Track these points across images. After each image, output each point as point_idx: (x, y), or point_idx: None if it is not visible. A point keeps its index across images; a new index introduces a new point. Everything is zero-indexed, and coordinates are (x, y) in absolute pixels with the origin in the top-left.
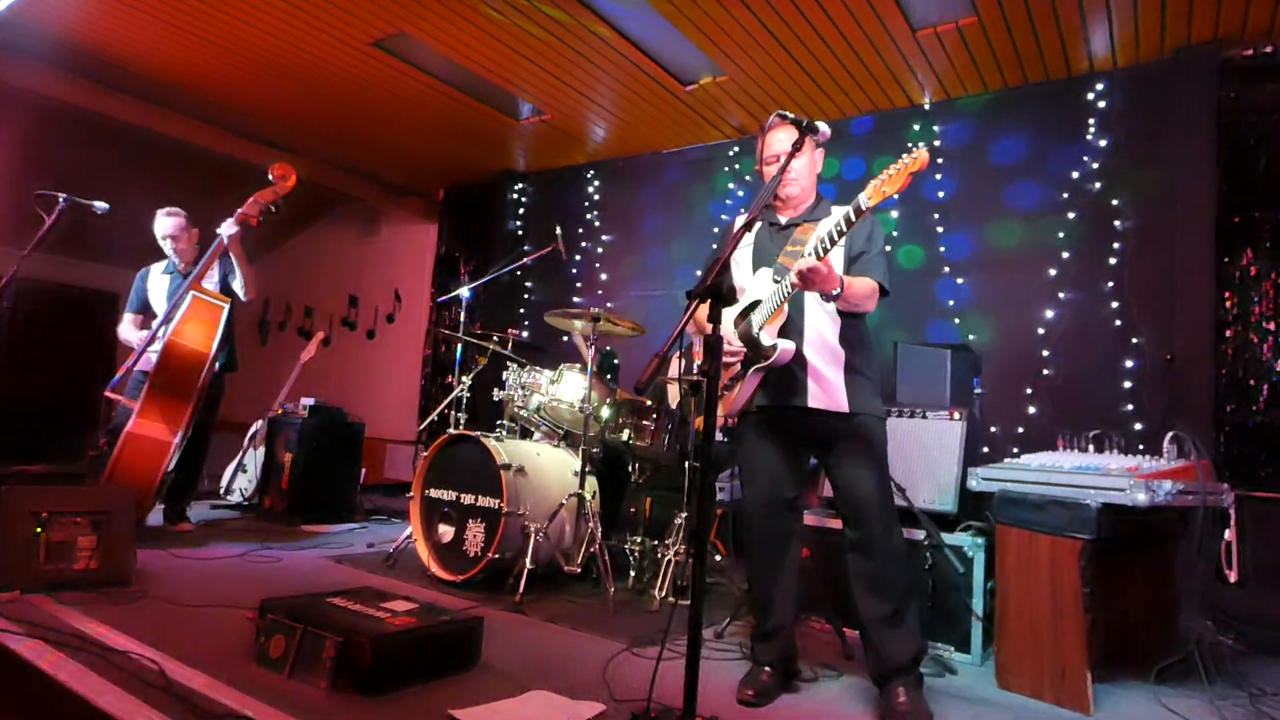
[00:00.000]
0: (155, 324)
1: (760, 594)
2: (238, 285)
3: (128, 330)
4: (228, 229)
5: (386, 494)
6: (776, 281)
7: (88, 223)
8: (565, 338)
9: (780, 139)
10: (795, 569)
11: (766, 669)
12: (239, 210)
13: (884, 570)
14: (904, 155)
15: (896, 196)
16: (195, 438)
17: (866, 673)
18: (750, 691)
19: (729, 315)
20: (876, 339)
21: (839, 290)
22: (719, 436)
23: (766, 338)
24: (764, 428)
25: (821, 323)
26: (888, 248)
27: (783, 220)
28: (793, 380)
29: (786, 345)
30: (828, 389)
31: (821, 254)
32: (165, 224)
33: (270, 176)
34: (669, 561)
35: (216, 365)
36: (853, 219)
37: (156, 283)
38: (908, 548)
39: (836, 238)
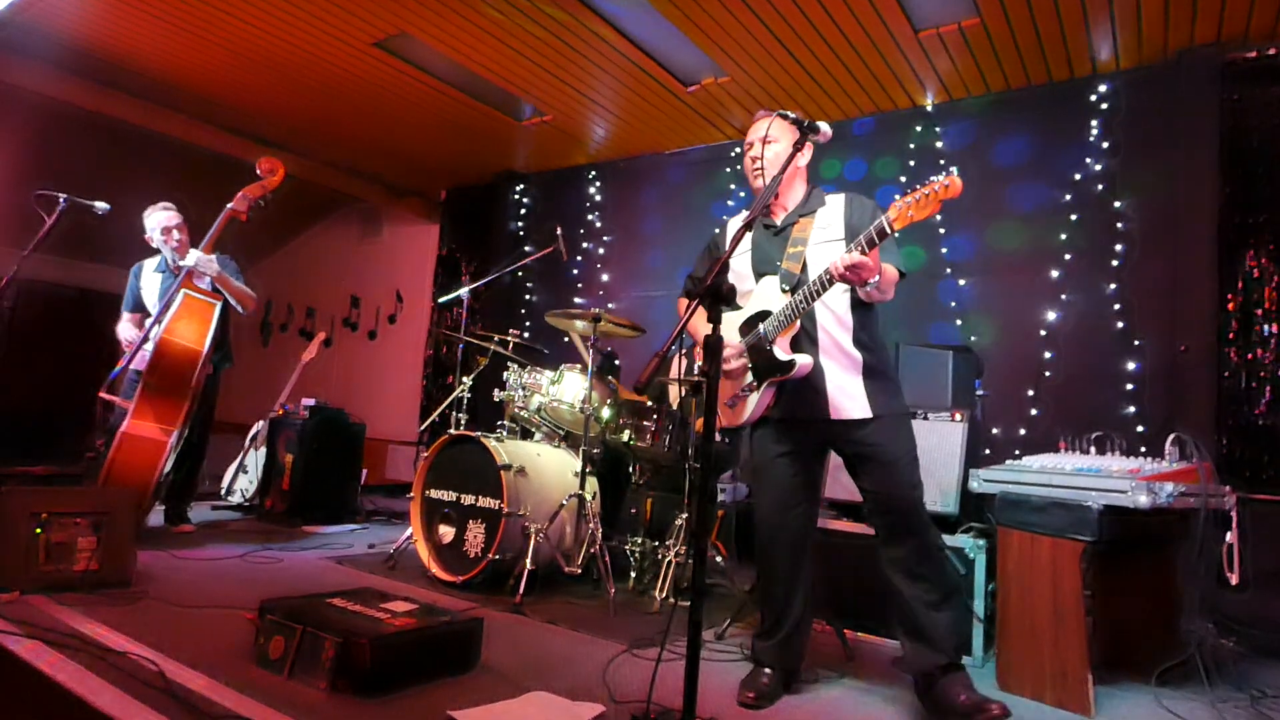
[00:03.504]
0: (148, 324)
1: (768, 596)
2: (232, 301)
3: (126, 329)
4: (197, 260)
5: (387, 495)
6: (785, 292)
7: (88, 223)
8: (565, 338)
9: (759, 127)
10: (808, 574)
11: (767, 671)
12: (228, 206)
13: (925, 556)
14: (936, 178)
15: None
16: (193, 437)
17: (905, 673)
18: (750, 694)
19: (732, 322)
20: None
21: (877, 278)
22: (718, 438)
23: (781, 352)
24: (779, 437)
25: (834, 329)
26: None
27: (778, 222)
28: (812, 392)
29: (804, 360)
30: (848, 397)
31: (866, 251)
32: (162, 216)
33: (258, 171)
34: (669, 563)
35: (211, 364)
36: (875, 240)
37: (149, 280)
38: (941, 541)
39: (868, 248)
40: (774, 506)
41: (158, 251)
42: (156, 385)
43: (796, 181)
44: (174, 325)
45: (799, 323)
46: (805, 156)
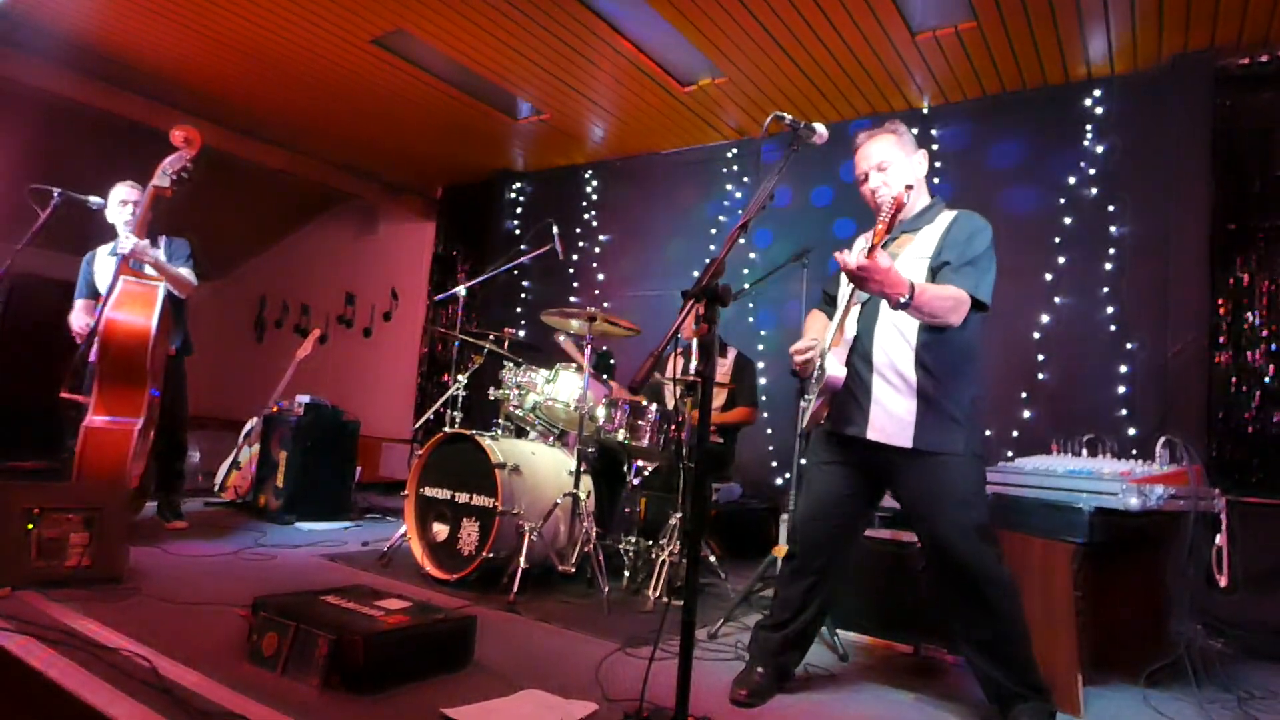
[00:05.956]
0: (96, 312)
1: (784, 597)
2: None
3: (78, 318)
4: (131, 244)
5: (381, 492)
6: (856, 304)
7: (83, 218)
8: (562, 337)
9: (872, 152)
10: (827, 587)
11: (759, 669)
12: (151, 184)
13: (989, 634)
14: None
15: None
16: (169, 427)
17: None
18: (743, 691)
19: (829, 332)
20: None
21: (908, 297)
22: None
23: (828, 360)
24: (828, 446)
25: (894, 346)
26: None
27: (888, 235)
28: (855, 408)
29: (833, 373)
30: (891, 420)
31: (868, 251)
32: (123, 190)
33: (173, 141)
34: (663, 562)
35: (173, 348)
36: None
37: (103, 265)
38: (1012, 587)
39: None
40: (806, 513)
41: (112, 237)
42: (110, 371)
43: (917, 194)
44: (117, 309)
45: (850, 335)
46: (922, 168)
